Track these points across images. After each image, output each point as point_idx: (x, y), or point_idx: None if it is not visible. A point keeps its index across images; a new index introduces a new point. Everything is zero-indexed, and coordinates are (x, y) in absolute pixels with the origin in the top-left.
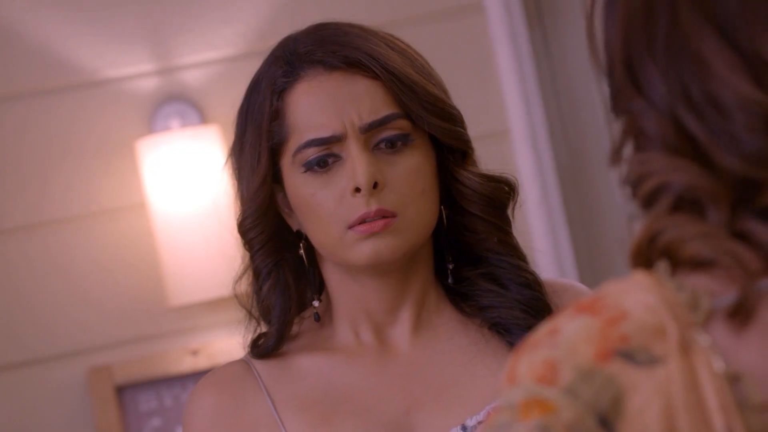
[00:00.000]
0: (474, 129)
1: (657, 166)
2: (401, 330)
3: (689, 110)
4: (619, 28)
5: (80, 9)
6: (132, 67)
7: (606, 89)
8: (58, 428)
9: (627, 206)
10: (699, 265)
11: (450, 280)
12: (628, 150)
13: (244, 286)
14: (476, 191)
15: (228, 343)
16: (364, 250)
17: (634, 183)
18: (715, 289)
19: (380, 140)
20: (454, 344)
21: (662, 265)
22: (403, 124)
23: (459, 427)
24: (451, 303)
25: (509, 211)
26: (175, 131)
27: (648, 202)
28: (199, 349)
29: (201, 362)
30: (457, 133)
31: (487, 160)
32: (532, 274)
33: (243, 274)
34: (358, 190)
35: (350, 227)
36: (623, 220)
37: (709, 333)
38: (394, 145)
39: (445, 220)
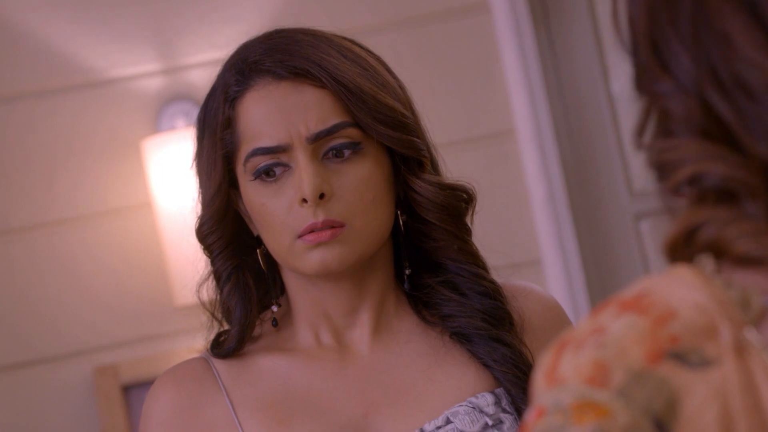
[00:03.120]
0: (479, 128)
1: (690, 153)
2: (360, 333)
3: (718, 92)
4: (643, 5)
5: (85, 9)
6: (137, 67)
7: (613, 89)
8: (64, 428)
9: (633, 205)
10: (745, 261)
11: (406, 286)
12: (648, 132)
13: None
14: (430, 200)
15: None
16: (312, 260)
17: (664, 168)
18: (764, 287)
19: (328, 149)
20: (413, 349)
21: (708, 262)
22: (353, 132)
23: (417, 431)
24: (413, 309)
25: (467, 219)
26: (181, 131)
27: (679, 190)
28: (204, 348)
29: None
30: (408, 141)
31: (492, 159)
32: (492, 282)
33: (207, 278)
34: (304, 200)
35: (299, 237)
36: (629, 219)
37: (761, 332)
38: (342, 154)
39: (402, 227)
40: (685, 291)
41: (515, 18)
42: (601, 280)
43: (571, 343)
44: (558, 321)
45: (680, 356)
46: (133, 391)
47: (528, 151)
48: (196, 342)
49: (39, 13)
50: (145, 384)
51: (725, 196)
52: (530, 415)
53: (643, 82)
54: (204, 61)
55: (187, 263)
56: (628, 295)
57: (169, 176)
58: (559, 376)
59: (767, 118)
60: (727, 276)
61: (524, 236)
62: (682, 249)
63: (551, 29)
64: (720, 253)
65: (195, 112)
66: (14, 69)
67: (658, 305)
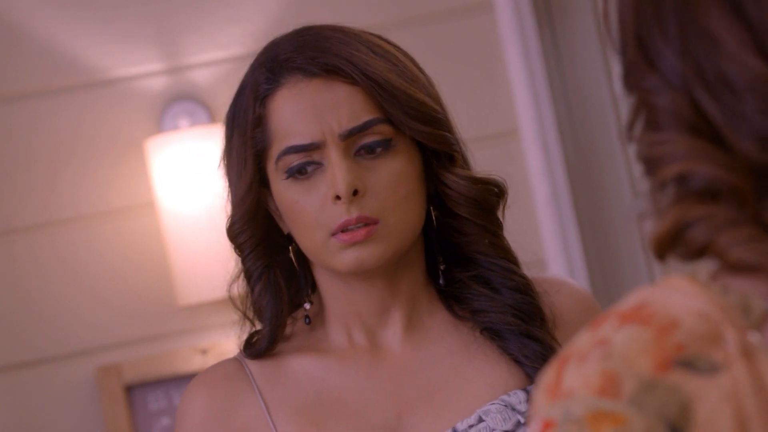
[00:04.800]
0: (483, 128)
1: (679, 150)
2: (393, 331)
3: (704, 89)
4: (631, 3)
5: (89, 8)
6: (141, 67)
7: (616, 88)
8: (67, 427)
9: (637, 205)
10: (740, 268)
11: (441, 281)
12: (638, 127)
13: (242, 287)
14: (462, 194)
15: (237, 342)
16: (347, 258)
17: (652, 163)
18: (762, 291)
19: (361, 146)
20: (445, 346)
21: (702, 269)
22: (385, 129)
23: (450, 431)
24: (444, 305)
25: (499, 213)
26: (184, 130)
27: (665, 185)
28: (209, 348)
29: (210, 361)
30: (440, 136)
31: (496, 159)
32: (523, 277)
33: (237, 277)
34: (338, 197)
35: (333, 235)
36: (633, 219)
37: (764, 336)
38: (374, 150)
39: (435, 222)
40: (684, 299)
41: (519, 17)
42: (605, 280)
43: (572, 357)
44: (592, 314)
45: (688, 363)
46: (136, 390)
47: (532, 151)
48: (200, 342)
49: (42, 13)
50: (149, 384)
51: (709, 194)
52: (535, 428)
53: (631, 79)
54: (207, 61)
55: (191, 263)
56: (627, 307)
57: (173, 176)
58: (565, 390)
59: (752, 117)
60: (723, 282)
61: (528, 236)
62: (670, 246)
63: (555, 29)
64: (709, 254)
65: (198, 112)
66: (17, 69)
67: (659, 315)
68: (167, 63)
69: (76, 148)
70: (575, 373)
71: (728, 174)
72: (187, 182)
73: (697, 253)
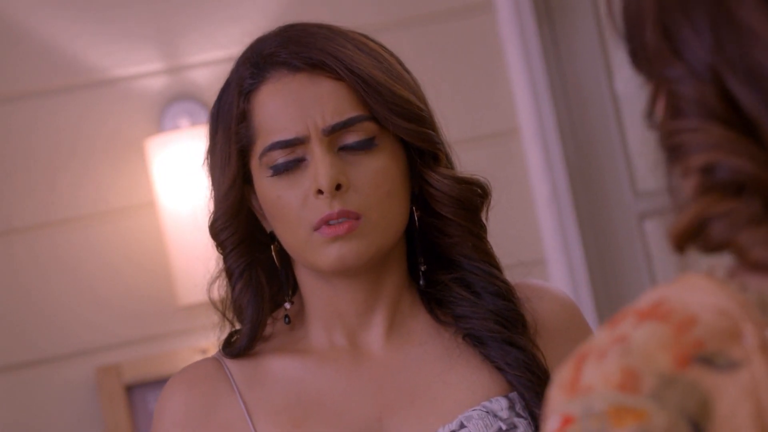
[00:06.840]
0: (483, 127)
1: (709, 139)
2: (375, 333)
3: (738, 81)
4: None
5: (89, 8)
6: (141, 66)
7: (617, 88)
8: (67, 427)
9: (637, 204)
10: (759, 267)
11: (422, 283)
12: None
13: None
14: (446, 193)
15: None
16: (330, 254)
17: (676, 150)
18: None
19: (345, 143)
20: (427, 350)
21: (719, 267)
22: (369, 125)
23: None
24: (426, 308)
25: (482, 214)
26: (184, 130)
27: (689, 175)
28: (208, 348)
29: None
30: (424, 134)
31: (496, 158)
32: (505, 283)
33: (218, 277)
34: (320, 192)
35: (315, 229)
36: (633, 219)
37: None
38: (358, 147)
39: (417, 222)
40: (703, 296)
41: (519, 17)
42: (605, 280)
43: (591, 354)
44: (573, 321)
45: (707, 359)
46: (136, 390)
47: (532, 150)
48: (200, 342)
49: (42, 13)
50: (148, 384)
51: (734, 187)
52: (554, 424)
53: (653, 67)
54: (207, 61)
55: (191, 263)
56: (644, 305)
57: (173, 176)
58: (584, 386)
59: None
60: (741, 280)
61: (528, 235)
62: (690, 240)
63: (555, 28)
64: (728, 250)
65: (198, 112)
66: (17, 68)
67: (677, 312)
68: (167, 63)
69: (76, 148)
70: (595, 370)
71: (758, 168)
72: (187, 182)
73: (716, 248)
